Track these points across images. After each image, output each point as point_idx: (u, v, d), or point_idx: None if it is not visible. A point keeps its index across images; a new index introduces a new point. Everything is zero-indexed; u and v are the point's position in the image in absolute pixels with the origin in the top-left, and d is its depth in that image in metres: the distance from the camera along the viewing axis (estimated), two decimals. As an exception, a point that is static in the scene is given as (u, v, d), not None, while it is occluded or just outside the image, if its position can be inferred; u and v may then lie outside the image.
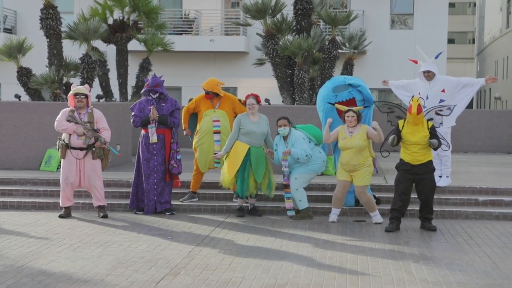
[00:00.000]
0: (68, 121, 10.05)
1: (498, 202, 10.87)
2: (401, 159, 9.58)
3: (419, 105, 9.33)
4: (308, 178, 10.29)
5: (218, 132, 10.71)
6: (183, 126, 10.93)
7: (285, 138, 10.25)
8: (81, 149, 10.10)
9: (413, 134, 9.42)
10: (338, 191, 9.99)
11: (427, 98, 10.88)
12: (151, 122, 10.34)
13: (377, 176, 11.94)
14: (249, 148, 10.13)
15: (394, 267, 7.42)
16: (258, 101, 10.28)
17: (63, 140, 10.15)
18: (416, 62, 11.74)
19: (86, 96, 10.20)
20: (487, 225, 9.98)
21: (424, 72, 11.16)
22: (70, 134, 10.08)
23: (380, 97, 26.73)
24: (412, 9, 27.92)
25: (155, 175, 10.43)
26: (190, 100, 11.11)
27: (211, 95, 10.83)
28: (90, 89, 10.55)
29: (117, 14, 20.08)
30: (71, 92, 10.23)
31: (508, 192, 11.20)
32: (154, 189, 10.45)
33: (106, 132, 10.22)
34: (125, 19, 19.86)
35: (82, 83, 16.98)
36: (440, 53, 11.76)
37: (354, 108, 9.89)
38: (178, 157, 10.48)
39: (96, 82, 18.68)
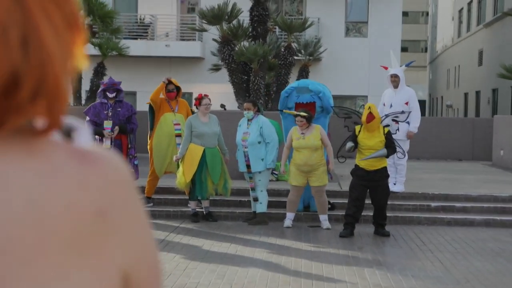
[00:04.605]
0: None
1: (449, 208, 11.04)
2: (356, 165, 9.65)
3: (369, 113, 9.41)
4: (268, 174, 10.35)
5: (179, 136, 10.67)
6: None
7: (249, 120, 10.28)
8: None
9: (369, 139, 9.51)
10: (293, 195, 10.02)
11: (390, 106, 11.10)
12: (106, 128, 10.19)
13: (332, 182, 12.02)
14: (204, 150, 10.12)
15: (348, 272, 7.47)
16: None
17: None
18: (386, 68, 11.94)
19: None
20: (439, 230, 10.12)
21: (391, 76, 11.37)
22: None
23: (335, 103, 26.95)
24: (366, 17, 28.24)
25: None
26: (149, 105, 10.96)
27: (174, 93, 10.81)
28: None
29: (71, 18, 19.85)
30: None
31: (459, 198, 11.38)
32: None
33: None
34: (79, 23, 19.65)
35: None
36: (412, 61, 12.10)
37: (301, 114, 9.88)
38: (136, 162, 10.39)
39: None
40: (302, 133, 9.84)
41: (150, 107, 10.87)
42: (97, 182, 0.88)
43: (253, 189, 10.29)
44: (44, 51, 0.83)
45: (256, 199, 10.29)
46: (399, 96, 11.32)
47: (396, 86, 11.36)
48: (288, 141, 10.03)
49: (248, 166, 10.21)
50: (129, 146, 10.41)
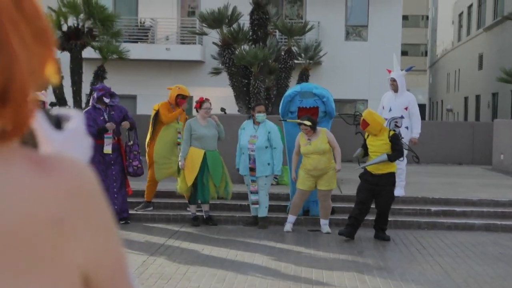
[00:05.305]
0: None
1: (450, 213, 11.04)
2: (364, 168, 9.65)
3: (362, 120, 9.45)
4: (272, 178, 10.41)
5: (179, 144, 10.66)
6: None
7: (255, 123, 10.27)
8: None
9: (375, 141, 9.53)
10: (298, 197, 9.99)
11: (390, 109, 11.13)
12: (108, 131, 10.13)
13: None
14: (205, 153, 10.12)
15: (348, 276, 7.47)
16: None
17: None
18: (390, 71, 12.00)
19: (43, 103, 10.05)
20: (439, 235, 10.12)
21: (390, 79, 11.52)
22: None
23: (336, 108, 26.91)
24: (366, 21, 28.25)
25: (115, 184, 10.23)
26: (156, 110, 10.85)
27: (185, 100, 10.89)
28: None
29: (71, 21, 19.86)
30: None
31: (459, 202, 11.38)
32: (114, 198, 10.20)
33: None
34: (79, 26, 19.66)
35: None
36: (412, 67, 12.16)
37: (305, 122, 9.84)
38: (141, 158, 10.40)
39: (50, 89, 18.44)
40: (309, 139, 9.84)
41: (155, 115, 10.75)
42: (55, 191, 0.90)
43: (253, 192, 10.26)
44: (11, 55, 0.88)
45: (256, 203, 10.28)
46: (399, 101, 11.35)
47: (395, 89, 11.42)
48: (296, 147, 10.02)
49: (252, 169, 10.20)
50: (131, 142, 10.34)
